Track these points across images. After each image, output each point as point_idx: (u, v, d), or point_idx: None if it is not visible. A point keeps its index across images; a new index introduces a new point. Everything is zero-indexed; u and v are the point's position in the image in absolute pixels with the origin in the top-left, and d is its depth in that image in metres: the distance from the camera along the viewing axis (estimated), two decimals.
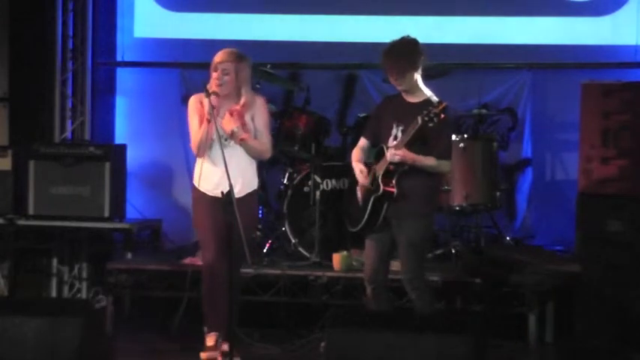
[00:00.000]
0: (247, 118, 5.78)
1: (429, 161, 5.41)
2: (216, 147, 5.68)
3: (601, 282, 6.19)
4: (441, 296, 6.38)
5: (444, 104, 5.30)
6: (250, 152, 5.78)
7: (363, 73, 8.03)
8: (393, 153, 5.36)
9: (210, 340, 5.79)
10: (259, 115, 5.85)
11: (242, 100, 5.76)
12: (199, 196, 5.84)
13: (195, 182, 5.85)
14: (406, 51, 5.49)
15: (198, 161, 5.83)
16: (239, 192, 5.64)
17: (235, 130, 5.68)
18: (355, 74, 8.10)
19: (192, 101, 5.83)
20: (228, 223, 5.43)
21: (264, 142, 5.85)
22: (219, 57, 5.77)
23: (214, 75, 5.73)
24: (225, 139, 5.70)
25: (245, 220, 5.53)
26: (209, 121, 5.63)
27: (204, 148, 5.73)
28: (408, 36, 5.56)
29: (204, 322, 5.83)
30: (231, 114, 5.71)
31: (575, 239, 6.53)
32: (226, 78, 5.71)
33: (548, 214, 7.79)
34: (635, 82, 7.03)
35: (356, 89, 8.11)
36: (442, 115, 5.27)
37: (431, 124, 5.27)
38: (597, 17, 7.83)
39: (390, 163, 5.40)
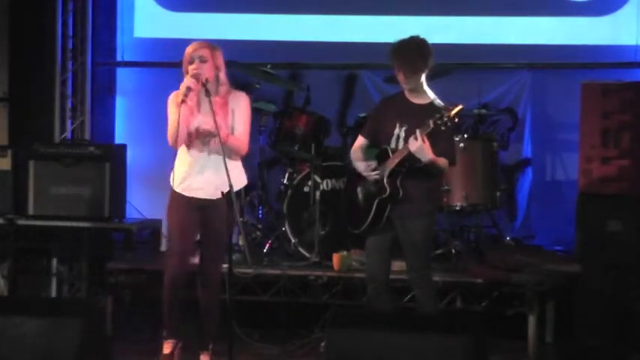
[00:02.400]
0: (229, 110, 5.61)
1: (441, 162, 5.39)
2: (198, 146, 5.57)
3: (601, 282, 6.20)
4: (441, 296, 6.38)
5: (459, 107, 5.23)
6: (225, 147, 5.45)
7: (364, 73, 8.04)
8: (417, 143, 5.24)
9: (167, 348, 5.71)
10: (240, 110, 5.65)
11: (222, 89, 5.60)
12: (176, 197, 5.67)
13: (174, 183, 5.67)
14: (420, 50, 5.44)
15: (179, 160, 5.66)
16: (214, 194, 5.50)
17: (191, 87, 5.45)
18: (355, 74, 8.11)
19: (173, 97, 5.61)
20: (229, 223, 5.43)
21: (239, 138, 5.62)
22: (192, 48, 5.59)
23: (192, 67, 5.54)
24: (205, 137, 5.54)
25: (222, 222, 5.53)
26: (184, 102, 5.42)
27: (181, 135, 5.49)
28: (418, 36, 5.52)
29: (165, 329, 5.73)
30: (216, 108, 5.51)
31: (575, 239, 6.53)
32: (205, 65, 5.55)
33: (548, 214, 7.79)
34: (635, 82, 7.04)
35: (356, 89, 8.12)
36: (456, 119, 5.25)
37: (443, 128, 5.24)
38: (597, 17, 7.84)
39: (397, 163, 5.38)
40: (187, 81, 5.50)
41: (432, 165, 5.34)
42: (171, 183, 5.71)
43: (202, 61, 5.56)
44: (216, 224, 5.62)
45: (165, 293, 5.70)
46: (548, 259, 6.92)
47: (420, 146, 5.25)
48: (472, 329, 4.32)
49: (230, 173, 5.30)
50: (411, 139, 5.29)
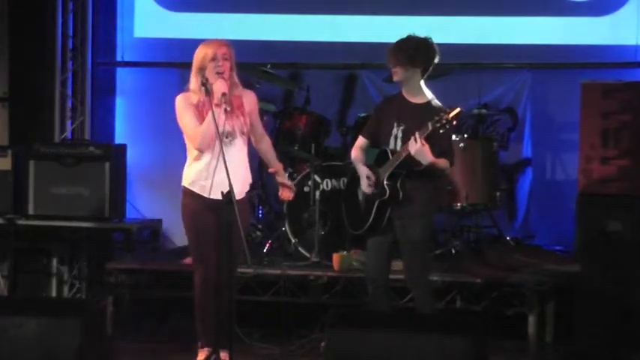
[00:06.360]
0: (245, 110, 5.61)
1: (442, 163, 5.38)
2: (216, 145, 5.45)
3: (601, 282, 6.20)
4: (441, 296, 6.38)
5: (457, 110, 5.20)
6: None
7: (363, 73, 8.04)
8: (417, 145, 5.23)
9: (201, 355, 5.63)
10: (255, 109, 5.71)
11: (238, 89, 5.62)
12: (194, 199, 5.58)
13: (189, 184, 5.61)
14: (413, 46, 5.42)
15: (193, 161, 5.59)
16: (239, 193, 5.43)
17: (226, 93, 5.43)
18: (355, 74, 8.11)
19: (181, 99, 5.58)
20: (227, 222, 5.38)
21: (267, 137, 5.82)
22: (214, 45, 5.53)
23: (214, 64, 5.48)
24: (226, 137, 5.47)
25: (244, 221, 5.45)
26: (218, 106, 5.38)
27: (211, 140, 5.44)
28: (426, 37, 5.50)
29: (198, 337, 5.65)
30: (232, 105, 5.52)
31: (575, 239, 6.53)
32: (227, 63, 5.52)
33: (548, 214, 7.80)
34: (635, 82, 7.04)
35: (356, 89, 8.12)
36: (455, 122, 5.23)
37: (442, 131, 5.23)
38: (597, 17, 7.84)
39: (397, 165, 5.37)
40: (221, 86, 5.43)
41: (432, 167, 5.34)
42: (187, 184, 5.62)
43: (225, 59, 5.53)
44: (232, 225, 5.51)
45: (198, 303, 5.60)
46: (548, 259, 6.93)
47: (419, 149, 5.24)
48: (472, 329, 4.32)
49: (244, 172, 5.53)
50: (411, 142, 5.27)
